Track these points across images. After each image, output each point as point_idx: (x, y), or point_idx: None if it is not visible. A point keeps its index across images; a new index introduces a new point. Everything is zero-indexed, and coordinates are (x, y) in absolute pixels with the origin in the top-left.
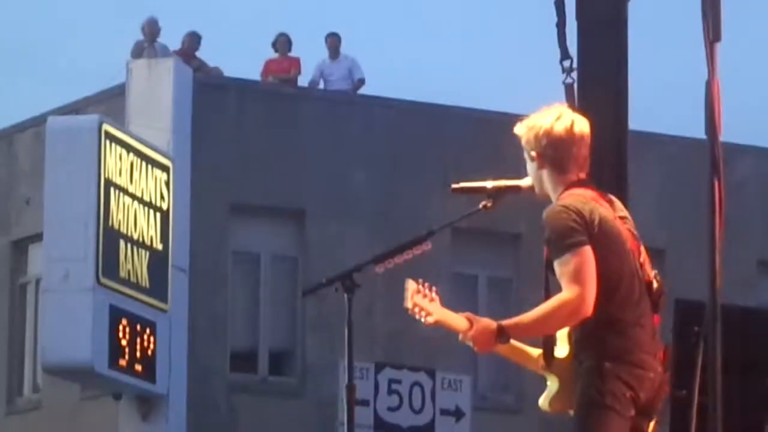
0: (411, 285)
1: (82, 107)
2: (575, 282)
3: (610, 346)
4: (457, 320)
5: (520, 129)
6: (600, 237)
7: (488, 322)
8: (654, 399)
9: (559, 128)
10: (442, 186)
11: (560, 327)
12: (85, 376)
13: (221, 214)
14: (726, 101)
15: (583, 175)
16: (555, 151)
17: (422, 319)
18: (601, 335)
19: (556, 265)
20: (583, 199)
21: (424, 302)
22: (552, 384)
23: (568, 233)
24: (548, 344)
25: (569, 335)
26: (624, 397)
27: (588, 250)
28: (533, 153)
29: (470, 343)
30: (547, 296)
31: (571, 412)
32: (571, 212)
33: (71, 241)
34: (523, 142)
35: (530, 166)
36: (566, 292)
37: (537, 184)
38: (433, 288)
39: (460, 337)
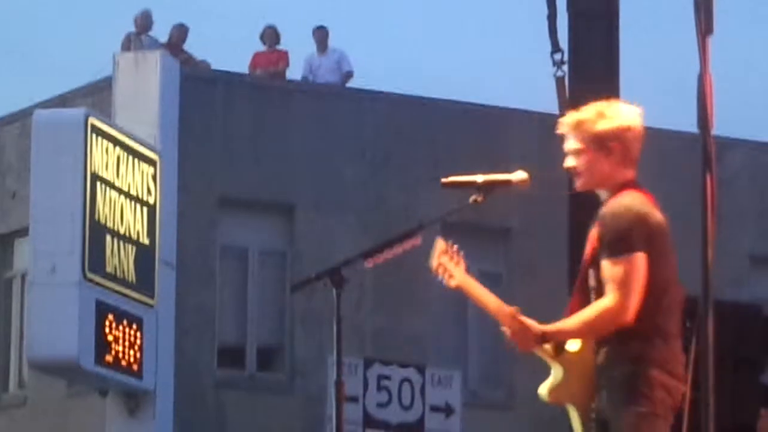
0: (440, 244)
1: (69, 100)
2: (621, 288)
3: (657, 354)
4: (484, 294)
5: (587, 115)
6: (657, 245)
7: (532, 325)
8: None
9: (637, 125)
10: (432, 180)
11: (601, 333)
12: (71, 372)
13: (209, 208)
14: (718, 94)
15: (634, 174)
16: (629, 146)
17: (444, 281)
18: (648, 343)
19: (606, 263)
20: (645, 202)
21: (450, 264)
22: (556, 373)
23: (627, 236)
24: None
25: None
26: (667, 404)
27: (641, 258)
28: (611, 144)
29: (511, 340)
30: (578, 295)
31: (568, 405)
32: (636, 215)
33: (57, 236)
34: (591, 128)
35: (589, 156)
36: (609, 299)
37: (590, 173)
38: (461, 252)
39: (503, 329)
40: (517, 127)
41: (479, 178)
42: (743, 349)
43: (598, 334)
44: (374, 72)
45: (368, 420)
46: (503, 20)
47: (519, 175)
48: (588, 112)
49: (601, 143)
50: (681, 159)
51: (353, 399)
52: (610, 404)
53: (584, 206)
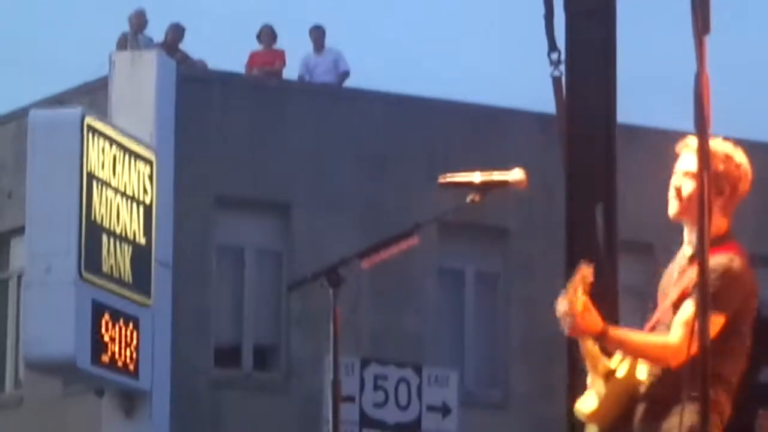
0: (585, 270)
1: (65, 99)
2: (690, 335)
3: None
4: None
5: (717, 147)
6: (746, 312)
7: (597, 318)
8: None
9: (749, 182)
10: (428, 179)
11: (650, 362)
12: (67, 372)
13: (205, 208)
14: (716, 94)
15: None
16: (737, 196)
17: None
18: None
19: (690, 304)
20: (748, 266)
21: (580, 291)
22: (599, 394)
23: (727, 295)
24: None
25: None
26: None
27: (723, 323)
28: (725, 186)
29: (566, 322)
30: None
31: (591, 426)
32: (746, 281)
33: (53, 235)
34: (715, 163)
35: (710, 192)
36: (675, 336)
37: (692, 205)
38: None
39: (558, 309)
40: (514, 126)
41: (476, 177)
42: None
43: (648, 359)
44: (371, 72)
45: (365, 420)
46: (499, 20)
47: (516, 175)
48: (719, 146)
49: (717, 182)
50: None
51: (350, 399)
52: None
53: (581, 205)
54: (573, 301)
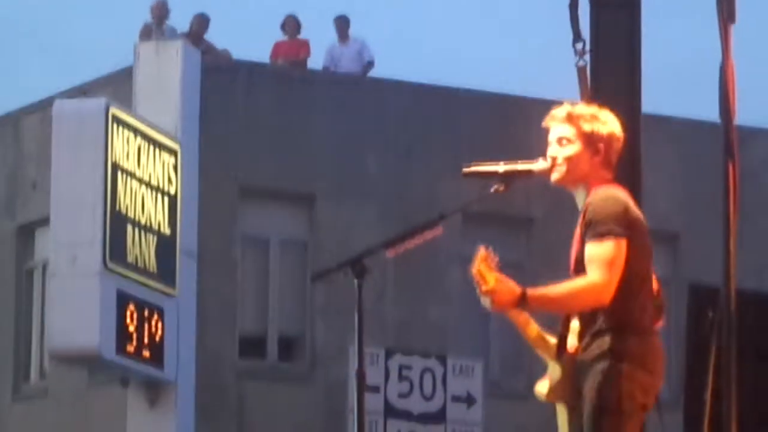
0: (481, 252)
1: (90, 90)
2: (607, 269)
3: (630, 349)
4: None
5: (582, 111)
6: (637, 236)
7: (513, 285)
8: (653, 407)
9: (621, 137)
10: (453, 169)
11: (580, 309)
12: (92, 362)
13: (230, 198)
14: (741, 83)
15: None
16: (614, 152)
17: (478, 289)
18: (622, 337)
19: (591, 246)
20: (628, 196)
21: (486, 271)
22: (554, 373)
23: (613, 221)
24: (564, 335)
25: (580, 332)
26: (638, 401)
27: (624, 245)
28: (599, 145)
29: (487, 300)
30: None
31: (559, 405)
32: (622, 204)
33: (78, 226)
34: (585, 125)
35: (577, 149)
36: (593, 275)
37: (573, 166)
38: (495, 256)
39: (479, 291)
40: (539, 116)
41: (501, 167)
42: (765, 339)
43: (577, 308)
44: (395, 61)
45: (389, 410)
46: (525, 9)
47: (541, 165)
48: (583, 109)
49: (591, 142)
50: (703, 148)
51: (374, 389)
52: (585, 400)
53: None
54: (483, 281)
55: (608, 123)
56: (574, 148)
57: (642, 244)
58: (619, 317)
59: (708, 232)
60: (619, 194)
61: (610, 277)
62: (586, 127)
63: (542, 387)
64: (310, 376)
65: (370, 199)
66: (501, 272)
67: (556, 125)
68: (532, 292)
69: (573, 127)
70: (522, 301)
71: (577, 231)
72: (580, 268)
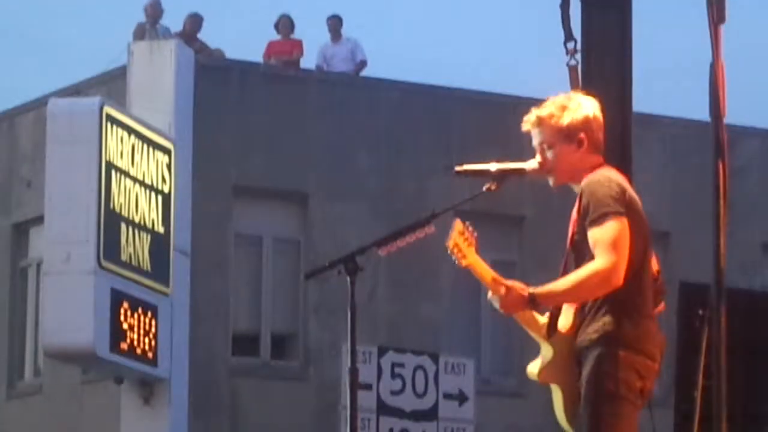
0: (458, 225)
1: (84, 89)
2: (611, 250)
3: (626, 333)
4: (486, 273)
5: (550, 110)
6: (632, 216)
7: (521, 288)
8: (652, 390)
9: (599, 112)
10: (445, 168)
11: (591, 296)
12: (86, 360)
13: (223, 196)
14: (730, 83)
15: (602, 160)
16: (597, 133)
17: (456, 260)
18: (618, 321)
19: (593, 231)
20: (621, 177)
21: (464, 245)
22: (546, 353)
23: (611, 201)
24: (555, 314)
25: (575, 313)
26: (635, 386)
27: (626, 222)
28: (579, 135)
29: (496, 304)
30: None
31: (553, 385)
32: (615, 184)
33: (72, 224)
34: (558, 123)
35: (559, 149)
36: (600, 260)
37: (563, 166)
38: (474, 233)
39: (488, 295)
40: None
41: (493, 166)
42: (755, 337)
43: (588, 296)
44: (388, 61)
45: (382, 407)
46: (516, 8)
47: (533, 164)
48: (550, 107)
49: (569, 136)
50: (693, 147)
51: (367, 386)
52: (582, 383)
53: None
54: (461, 255)
55: (581, 106)
56: (555, 149)
57: (639, 223)
58: (614, 297)
59: (698, 231)
60: (612, 174)
61: (616, 258)
62: (561, 122)
63: (534, 367)
64: (303, 373)
65: (362, 197)
66: (495, 271)
67: (533, 131)
68: (539, 290)
69: (547, 129)
70: (532, 303)
71: (574, 213)
72: (578, 249)
